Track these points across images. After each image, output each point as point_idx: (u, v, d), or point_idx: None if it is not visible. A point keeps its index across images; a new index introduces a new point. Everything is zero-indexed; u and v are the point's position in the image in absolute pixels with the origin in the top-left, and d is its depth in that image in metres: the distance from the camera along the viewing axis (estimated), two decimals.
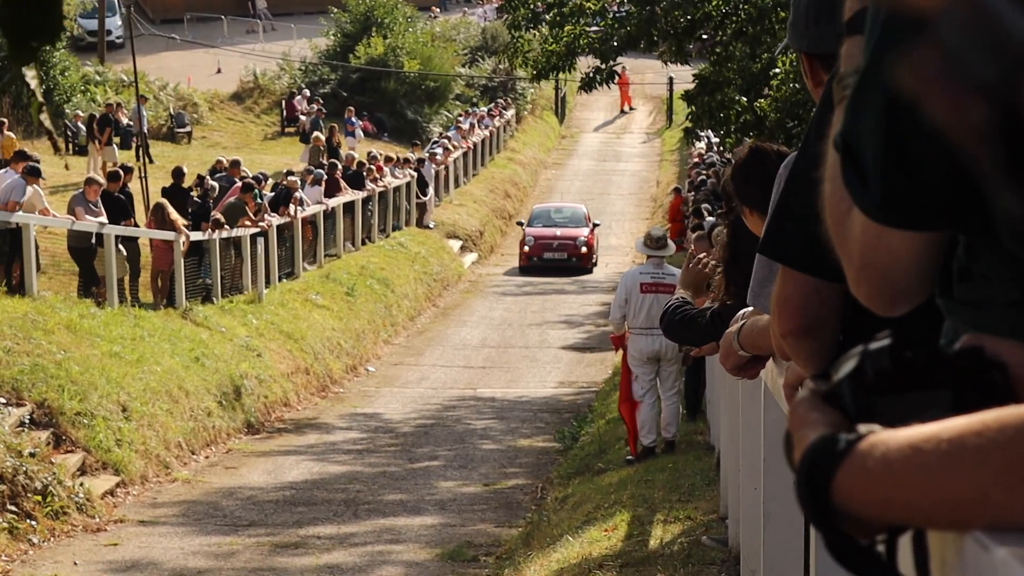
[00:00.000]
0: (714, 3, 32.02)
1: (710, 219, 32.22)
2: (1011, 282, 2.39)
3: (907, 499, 2.18)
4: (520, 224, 73.26)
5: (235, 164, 50.38)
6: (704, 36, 33.21)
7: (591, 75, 36.46)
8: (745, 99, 32.09)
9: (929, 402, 2.21)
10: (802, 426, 2.40)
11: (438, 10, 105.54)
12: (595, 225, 74.52)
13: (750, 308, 7.71)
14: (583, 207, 76.63)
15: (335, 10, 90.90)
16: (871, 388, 2.32)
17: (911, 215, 2.45)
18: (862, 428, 2.24)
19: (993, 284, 2.44)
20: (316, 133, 69.97)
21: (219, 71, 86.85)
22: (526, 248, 70.48)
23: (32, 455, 22.73)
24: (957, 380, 2.27)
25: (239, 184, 44.16)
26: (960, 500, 2.10)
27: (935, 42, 0.78)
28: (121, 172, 41.76)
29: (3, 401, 23.56)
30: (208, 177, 46.20)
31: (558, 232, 70.92)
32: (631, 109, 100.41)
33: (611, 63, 35.83)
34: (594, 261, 73.60)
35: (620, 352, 25.08)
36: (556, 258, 68.20)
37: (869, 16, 2.53)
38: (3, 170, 35.18)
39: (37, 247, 31.77)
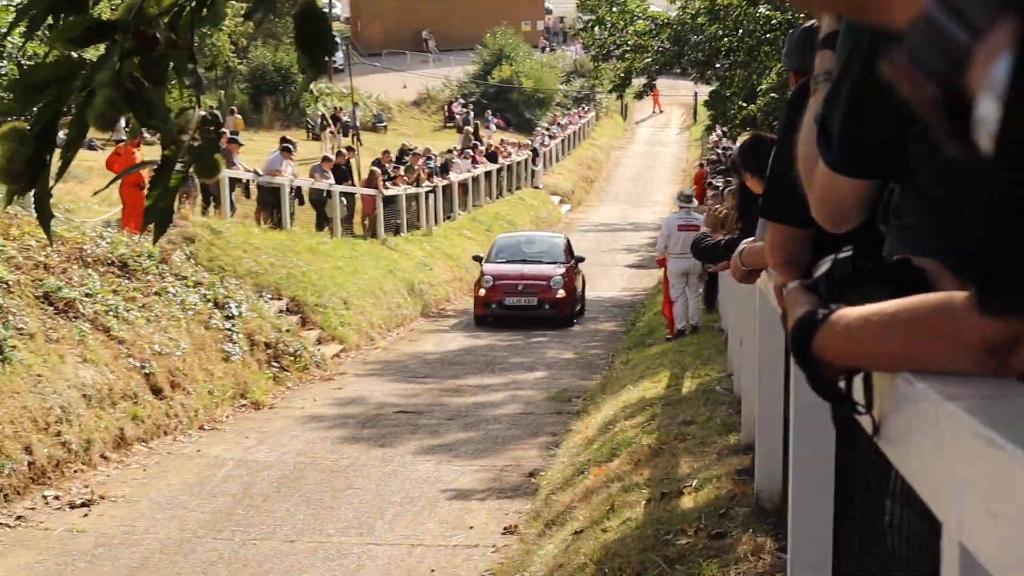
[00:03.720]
0: (723, 43, 31.87)
1: (720, 184, 32.25)
2: (921, 214, 2.47)
3: (860, 351, 2.25)
4: (477, 259, 39.90)
5: (427, 150, 51.56)
6: (717, 66, 33.09)
7: (641, 89, 37.80)
8: (744, 104, 31.98)
9: (875, 292, 2.27)
10: (793, 306, 2.48)
11: (545, 42, 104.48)
12: (578, 260, 39.40)
13: (750, 239, 7.74)
14: (562, 238, 42.08)
15: (479, 46, 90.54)
16: (837, 282, 2.38)
17: (857, 169, 2.55)
18: (832, 307, 2.30)
19: (911, 215, 2.51)
20: (467, 127, 70.15)
21: (404, 87, 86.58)
22: (482, 291, 36.86)
23: (288, 331, 23.11)
24: (894, 278, 2.32)
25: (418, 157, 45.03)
26: (894, 352, 2.15)
27: (904, 45, 0.82)
28: (345, 152, 43.01)
29: (269, 296, 23.88)
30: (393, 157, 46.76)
31: (526, 270, 37.31)
32: (660, 111, 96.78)
33: (652, 81, 37.01)
34: (578, 308, 38.31)
35: (662, 269, 25.14)
36: (522, 304, 36.04)
37: (841, 36, 2.70)
38: (272, 151, 35.89)
39: (291, 199, 32.34)
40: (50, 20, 3.90)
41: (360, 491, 15.28)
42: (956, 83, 0.87)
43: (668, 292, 24.00)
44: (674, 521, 9.36)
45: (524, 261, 33.03)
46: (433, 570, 12.52)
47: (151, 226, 3.93)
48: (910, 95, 0.91)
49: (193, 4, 3.69)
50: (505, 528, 13.61)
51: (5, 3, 26.91)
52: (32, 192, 3.61)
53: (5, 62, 26.28)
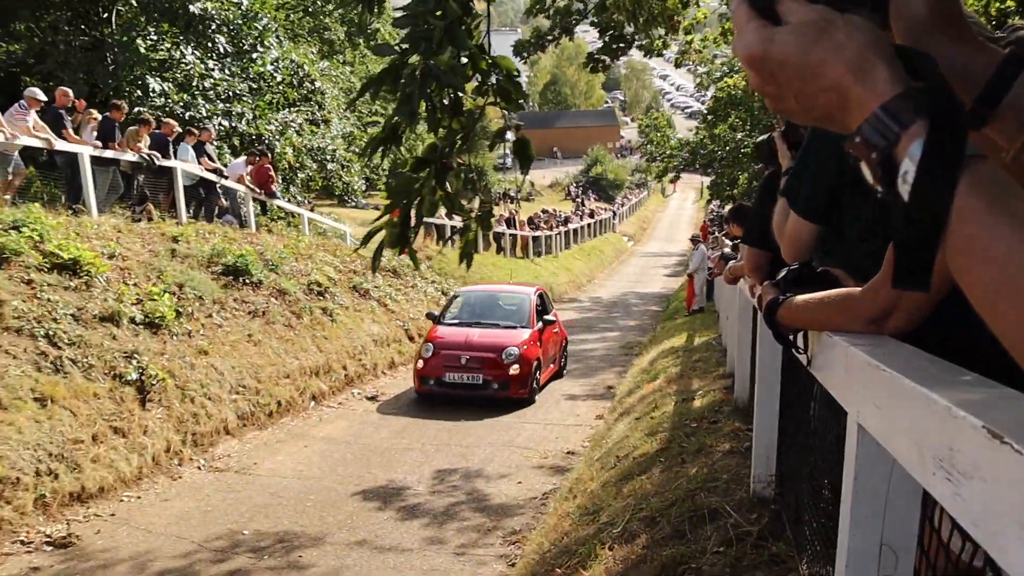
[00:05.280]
0: (717, 155, 31.56)
1: (715, 231, 31.96)
2: (836, 246, 2.47)
3: (801, 320, 2.25)
4: (431, 318, 16.48)
5: (556, 211, 50.18)
6: (715, 166, 32.66)
7: (671, 179, 36.87)
8: (728, 188, 31.66)
9: (810, 287, 2.27)
10: (765, 295, 2.48)
11: (619, 153, 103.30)
12: (546, 323, 16.30)
13: (734, 260, 7.66)
14: (531, 294, 17.16)
15: (584, 155, 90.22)
16: (790, 281, 2.38)
17: (814, 217, 2.53)
18: (787, 295, 2.30)
19: (830, 246, 2.52)
20: (577, 199, 69.88)
21: (544, 177, 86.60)
22: (420, 362, 14.73)
23: None
24: (820, 280, 2.31)
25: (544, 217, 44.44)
26: (820, 320, 2.16)
27: (858, 132, 0.85)
28: (514, 211, 42.80)
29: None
30: (536, 216, 46.35)
31: (475, 337, 15.13)
32: (675, 191, 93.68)
33: (678, 175, 36.07)
34: (536, 384, 15.09)
35: (687, 278, 24.83)
36: (464, 382, 14.49)
37: (807, 135, 2.68)
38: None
39: (482, 238, 32.25)
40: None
41: None
42: (889, 153, 0.90)
43: (691, 289, 23.57)
44: (689, 413, 9.29)
45: (479, 324, 15.81)
46: (557, 437, 12.56)
47: (404, 250, 4.19)
48: (861, 160, 0.93)
49: (461, 145, 3.89)
50: (596, 416, 13.60)
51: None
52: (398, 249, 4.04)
53: (358, 177, 26.88)
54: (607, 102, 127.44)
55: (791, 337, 2.37)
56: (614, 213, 64.98)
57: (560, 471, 10.88)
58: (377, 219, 4.10)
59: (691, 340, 16.80)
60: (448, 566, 7.95)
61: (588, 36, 14.23)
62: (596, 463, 9.51)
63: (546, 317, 16.34)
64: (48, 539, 8.20)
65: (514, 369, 14.48)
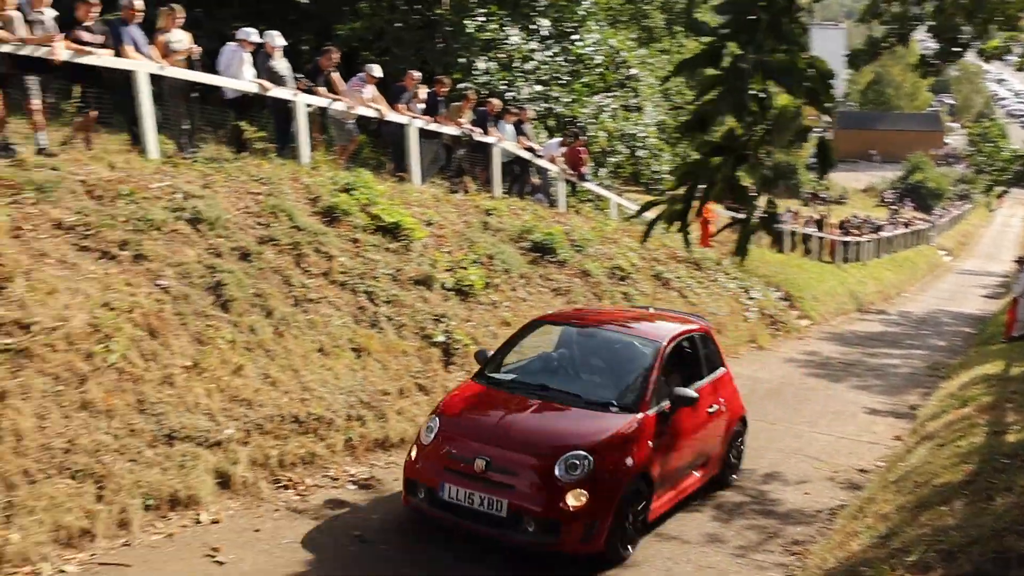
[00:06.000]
0: None
1: None
2: None
3: None
4: (481, 360, 8.33)
5: (869, 217, 47.65)
6: None
7: (998, 194, 33.83)
8: None
9: None
10: None
11: (943, 161, 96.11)
12: (680, 402, 7.62)
13: None
14: (662, 343, 8.10)
15: (904, 160, 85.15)
16: None
17: None
18: None
19: None
20: (892, 206, 66.22)
21: (857, 180, 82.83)
22: (413, 452, 7.35)
23: (780, 309, 22.04)
24: None
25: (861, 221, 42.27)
26: None
27: None
28: (824, 214, 41.02)
29: (773, 289, 23.12)
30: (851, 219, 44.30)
31: (520, 417, 6.98)
32: (1000, 206, 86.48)
33: (1007, 189, 32.94)
34: (634, 522, 7.11)
35: (1010, 300, 22.94)
36: (471, 507, 6.54)
37: None
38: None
39: (791, 238, 31.21)
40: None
41: (812, 402, 14.89)
42: None
43: (1012, 313, 21.59)
44: (1002, 448, 8.70)
45: (545, 390, 7.62)
46: (850, 452, 12.14)
47: (704, 240, 4.18)
48: None
49: (758, 136, 3.83)
50: (895, 436, 13.00)
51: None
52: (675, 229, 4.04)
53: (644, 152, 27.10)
54: (932, 105, 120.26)
55: None
56: (932, 224, 61.33)
57: (851, 487, 10.51)
58: (661, 193, 4.16)
59: (1008, 368, 15.59)
60: (725, 567, 7.89)
61: (916, 34, 13.48)
62: (891, 485, 9.10)
63: (682, 392, 8.18)
64: (352, 479, 8.91)
65: (575, 497, 6.90)
